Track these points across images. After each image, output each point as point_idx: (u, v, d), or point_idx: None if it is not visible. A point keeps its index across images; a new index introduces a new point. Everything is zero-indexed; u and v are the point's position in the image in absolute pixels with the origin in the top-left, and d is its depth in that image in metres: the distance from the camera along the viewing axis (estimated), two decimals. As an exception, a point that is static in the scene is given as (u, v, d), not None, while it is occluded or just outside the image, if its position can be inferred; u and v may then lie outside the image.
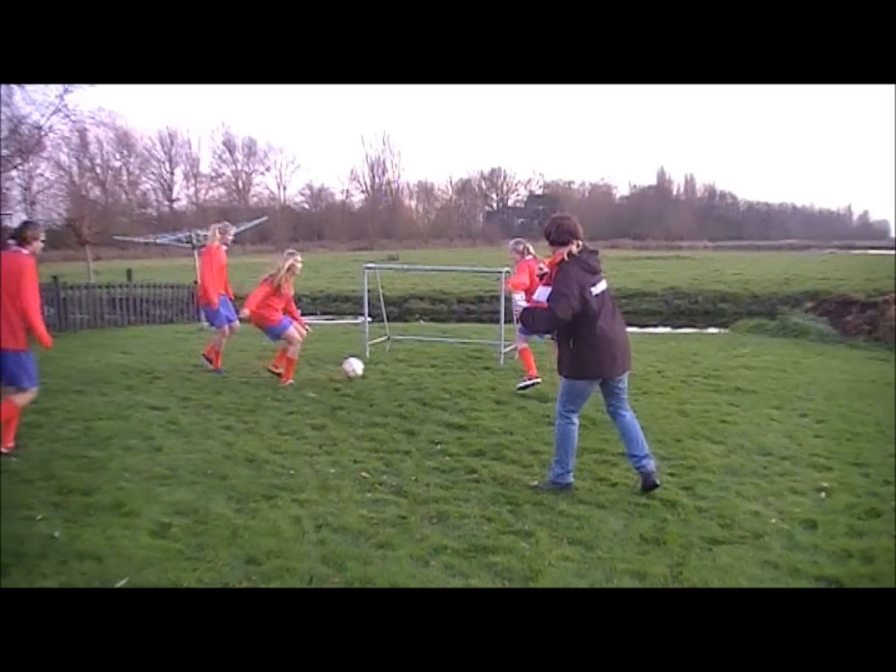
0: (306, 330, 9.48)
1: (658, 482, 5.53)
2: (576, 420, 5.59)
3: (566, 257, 5.38)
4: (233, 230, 10.20)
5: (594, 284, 5.38)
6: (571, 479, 5.56)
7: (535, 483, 5.64)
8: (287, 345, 9.06)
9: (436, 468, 6.02)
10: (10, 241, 6.13)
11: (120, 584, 3.93)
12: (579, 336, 5.36)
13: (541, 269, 5.74)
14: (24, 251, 6.07)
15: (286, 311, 9.13)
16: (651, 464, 5.56)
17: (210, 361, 9.66)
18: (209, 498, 5.23)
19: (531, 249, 8.98)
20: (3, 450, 6.03)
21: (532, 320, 5.58)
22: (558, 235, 5.43)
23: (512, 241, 9.46)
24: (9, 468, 5.71)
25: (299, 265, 9.07)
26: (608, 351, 5.40)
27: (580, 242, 5.44)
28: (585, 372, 5.43)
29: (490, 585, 4.06)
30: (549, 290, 5.40)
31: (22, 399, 6.13)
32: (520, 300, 5.61)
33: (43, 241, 6.28)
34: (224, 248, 9.86)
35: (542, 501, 5.31)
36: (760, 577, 4.23)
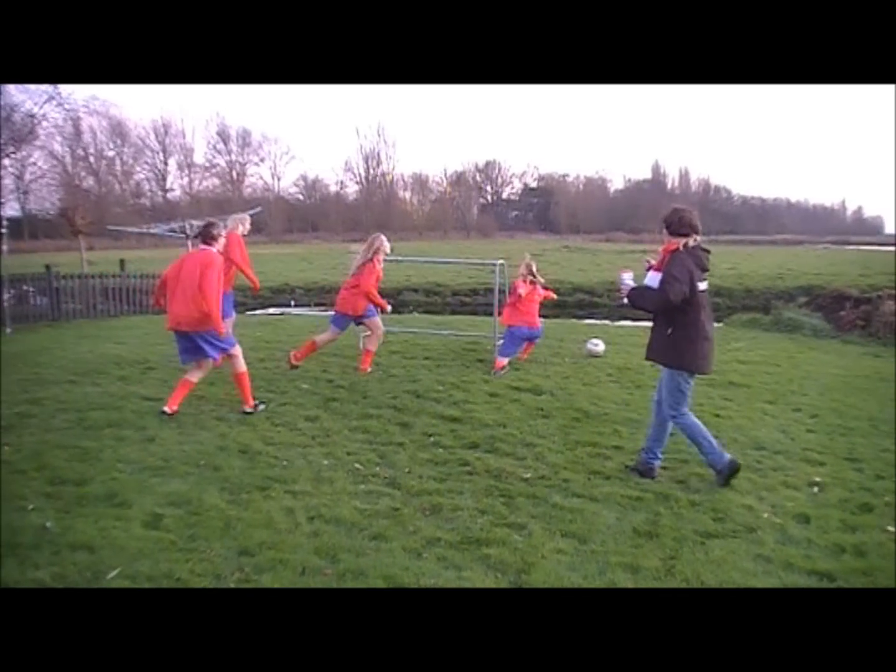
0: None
1: (654, 476, 5.73)
2: (688, 411, 5.66)
3: (681, 248, 5.44)
4: (248, 222, 10.16)
5: (701, 280, 5.45)
6: (727, 455, 5.62)
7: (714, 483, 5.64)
8: (327, 334, 9.40)
9: (429, 460, 6.02)
10: (197, 240, 7.18)
11: (112, 574, 3.92)
12: (683, 327, 5.46)
13: (648, 261, 5.79)
14: (212, 248, 7.04)
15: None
16: (658, 464, 5.81)
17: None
18: (202, 489, 5.22)
19: (532, 269, 10.03)
20: (247, 408, 7.26)
21: (641, 299, 5.61)
22: (679, 227, 5.47)
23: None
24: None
25: (387, 245, 9.37)
26: (706, 347, 5.55)
27: (697, 238, 5.49)
28: (686, 363, 5.52)
29: (483, 578, 4.06)
30: (658, 276, 5.47)
31: (239, 363, 7.31)
32: (627, 279, 5.63)
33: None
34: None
35: (536, 494, 5.31)
36: (753, 570, 4.24)
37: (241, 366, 7.33)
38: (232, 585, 3.89)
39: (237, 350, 7.31)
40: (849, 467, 6.13)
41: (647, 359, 5.78)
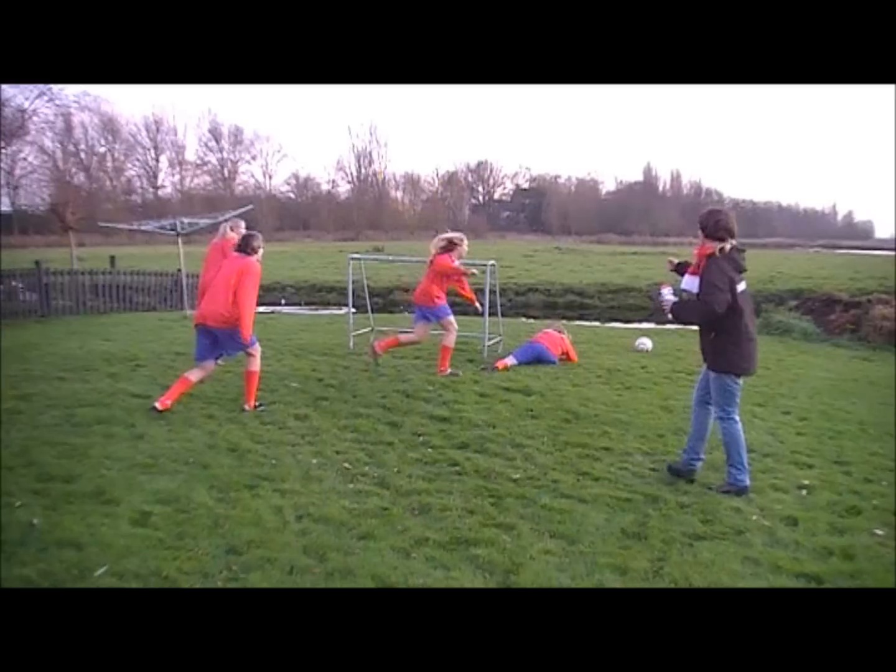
0: (480, 305, 10.17)
1: (694, 479, 5.72)
2: (738, 418, 5.61)
3: (718, 253, 5.34)
4: (243, 226, 10.12)
5: (739, 283, 5.38)
6: (748, 481, 5.54)
7: (713, 487, 5.59)
8: (445, 332, 9.31)
9: (419, 460, 6.01)
10: (238, 251, 7.35)
11: (99, 572, 3.91)
12: (726, 331, 5.40)
13: (671, 262, 5.73)
14: (252, 258, 7.27)
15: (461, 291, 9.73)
16: (700, 465, 5.78)
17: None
18: (191, 487, 5.20)
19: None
20: (247, 407, 7.34)
21: (686, 313, 5.56)
22: (716, 231, 5.34)
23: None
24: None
25: (465, 247, 9.37)
26: (750, 348, 5.50)
27: (733, 241, 5.39)
28: (733, 366, 5.47)
29: (471, 578, 4.05)
30: (695, 279, 5.41)
31: (256, 362, 7.47)
32: (667, 294, 5.53)
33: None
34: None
35: (525, 495, 5.31)
36: (741, 573, 4.24)
37: (256, 365, 7.47)
38: (219, 584, 3.87)
39: (256, 349, 7.45)
40: (837, 470, 6.15)
41: (705, 363, 5.69)
